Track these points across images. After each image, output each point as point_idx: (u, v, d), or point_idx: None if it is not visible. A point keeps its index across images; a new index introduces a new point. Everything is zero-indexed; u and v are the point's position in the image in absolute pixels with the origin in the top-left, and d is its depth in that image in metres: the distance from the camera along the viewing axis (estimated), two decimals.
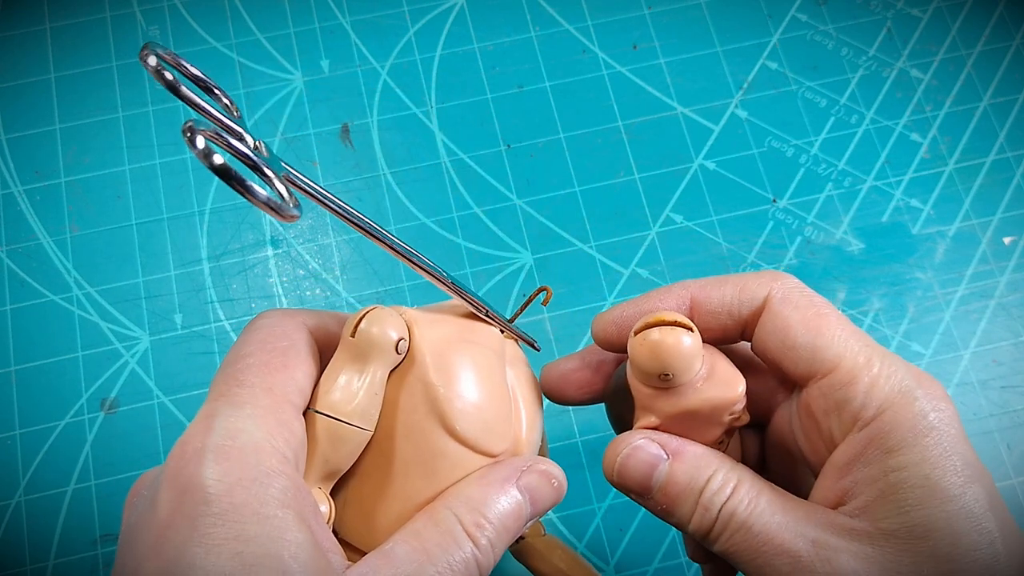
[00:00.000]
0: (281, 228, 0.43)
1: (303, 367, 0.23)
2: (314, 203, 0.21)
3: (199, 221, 0.43)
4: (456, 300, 0.26)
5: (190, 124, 0.18)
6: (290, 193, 0.19)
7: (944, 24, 0.46)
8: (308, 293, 0.42)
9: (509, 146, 0.44)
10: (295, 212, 0.19)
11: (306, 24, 0.46)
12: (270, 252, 0.42)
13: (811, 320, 0.25)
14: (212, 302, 0.42)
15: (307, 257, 0.42)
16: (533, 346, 0.28)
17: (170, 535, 0.19)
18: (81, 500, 0.38)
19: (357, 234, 0.42)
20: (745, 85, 0.45)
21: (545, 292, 0.27)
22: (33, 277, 0.42)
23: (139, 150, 0.44)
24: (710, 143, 0.44)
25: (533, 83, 0.45)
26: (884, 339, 0.41)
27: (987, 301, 0.42)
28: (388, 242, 0.23)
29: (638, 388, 0.25)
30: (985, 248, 0.42)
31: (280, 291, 0.42)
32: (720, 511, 0.25)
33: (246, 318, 0.41)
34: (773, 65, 0.46)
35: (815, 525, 0.24)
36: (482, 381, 0.24)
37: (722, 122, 0.45)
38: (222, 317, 0.41)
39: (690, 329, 0.24)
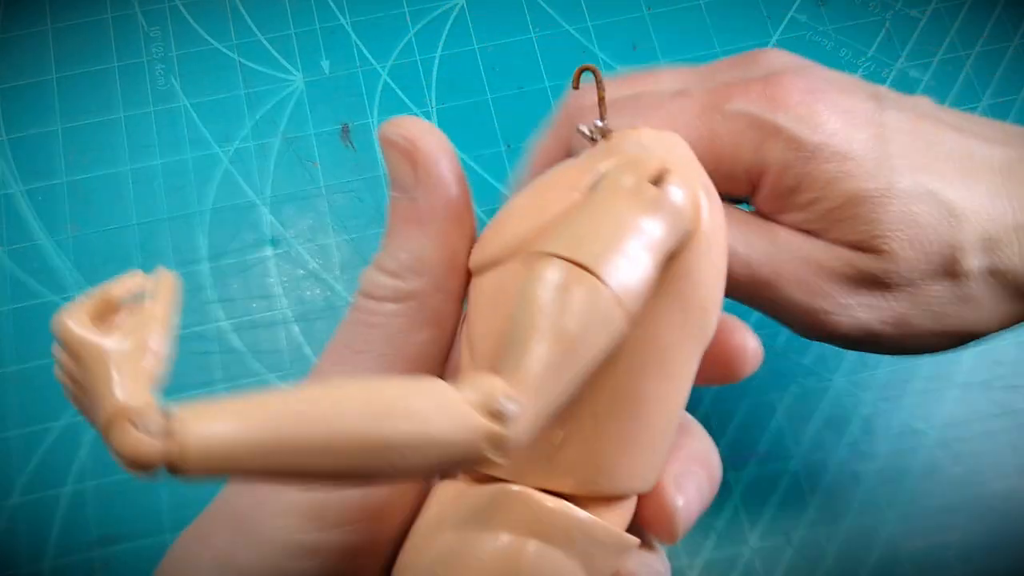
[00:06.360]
0: (281, 228, 0.43)
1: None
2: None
3: (199, 221, 0.43)
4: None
5: None
6: None
7: (943, 24, 0.46)
8: (308, 293, 0.42)
9: (509, 146, 0.44)
10: None
11: (307, 25, 0.46)
12: (270, 252, 0.42)
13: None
14: (212, 302, 0.41)
15: (307, 257, 0.42)
16: None
17: None
18: (79, 501, 0.38)
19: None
20: None
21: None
22: (33, 277, 0.42)
23: (139, 150, 0.44)
24: None
25: (533, 83, 0.45)
26: None
27: None
28: None
29: None
30: None
31: (280, 291, 0.42)
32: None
33: (246, 318, 0.41)
34: None
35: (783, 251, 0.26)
36: None
37: None
38: (222, 317, 0.41)
39: None
